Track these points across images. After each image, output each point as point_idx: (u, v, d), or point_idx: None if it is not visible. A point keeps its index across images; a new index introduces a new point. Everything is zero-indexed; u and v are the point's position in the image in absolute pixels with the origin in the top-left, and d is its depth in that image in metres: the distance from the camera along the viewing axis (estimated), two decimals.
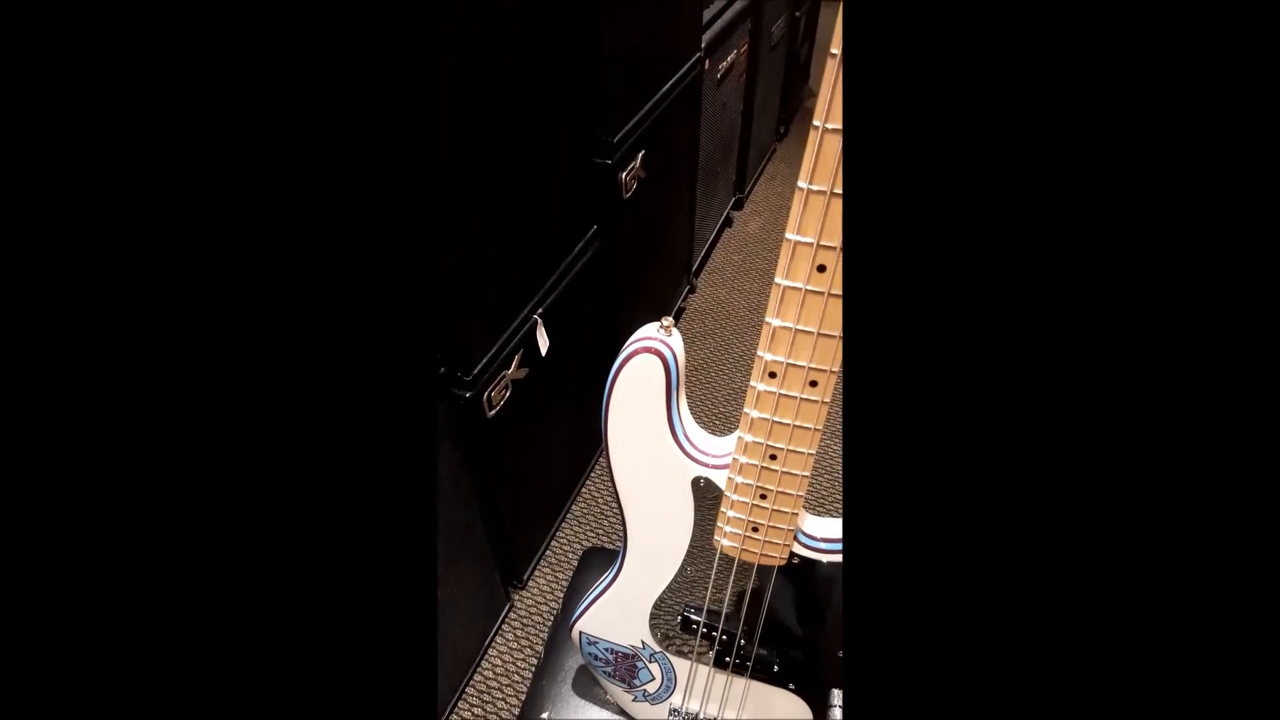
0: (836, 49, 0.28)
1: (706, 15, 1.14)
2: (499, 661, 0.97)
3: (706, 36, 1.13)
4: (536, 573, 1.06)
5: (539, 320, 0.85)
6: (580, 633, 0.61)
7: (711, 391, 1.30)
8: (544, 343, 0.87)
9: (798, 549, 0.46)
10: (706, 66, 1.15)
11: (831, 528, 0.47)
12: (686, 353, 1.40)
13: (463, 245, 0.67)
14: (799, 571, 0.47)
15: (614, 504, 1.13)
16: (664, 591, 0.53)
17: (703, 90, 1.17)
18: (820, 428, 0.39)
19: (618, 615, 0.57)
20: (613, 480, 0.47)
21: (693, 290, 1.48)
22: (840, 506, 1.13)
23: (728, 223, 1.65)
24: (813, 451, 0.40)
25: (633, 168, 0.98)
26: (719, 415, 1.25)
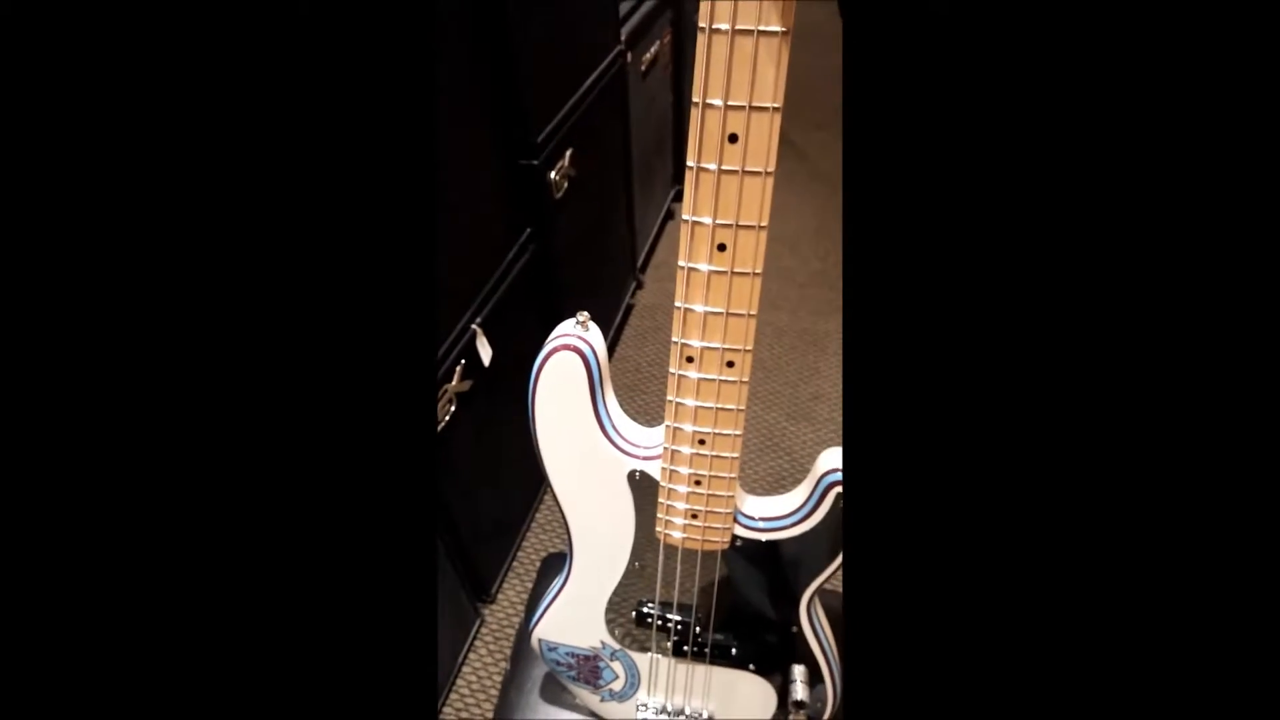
0: (704, 23, 0.28)
1: (623, 9, 1.13)
2: (474, 678, 0.95)
3: (625, 29, 1.13)
4: (505, 585, 1.04)
5: (478, 330, 0.83)
6: (539, 640, 0.60)
7: (664, 387, 1.30)
8: (486, 353, 0.85)
9: (740, 531, 0.46)
10: (629, 59, 1.15)
11: (769, 506, 0.47)
12: (638, 348, 1.40)
13: None
14: (744, 553, 0.48)
15: None
16: (616, 588, 0.53)
17: (629, 84, 1.17)
18: (743, 408, 0.39)
19: (573, 618, 0.57)
20: (549, 484, 0.47)
21: (640, 286, 1.48)
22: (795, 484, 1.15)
23: (670, 215, 1.65)
24: (739, 433, 0.40)
25: (561, 166, 0.97)
26: None
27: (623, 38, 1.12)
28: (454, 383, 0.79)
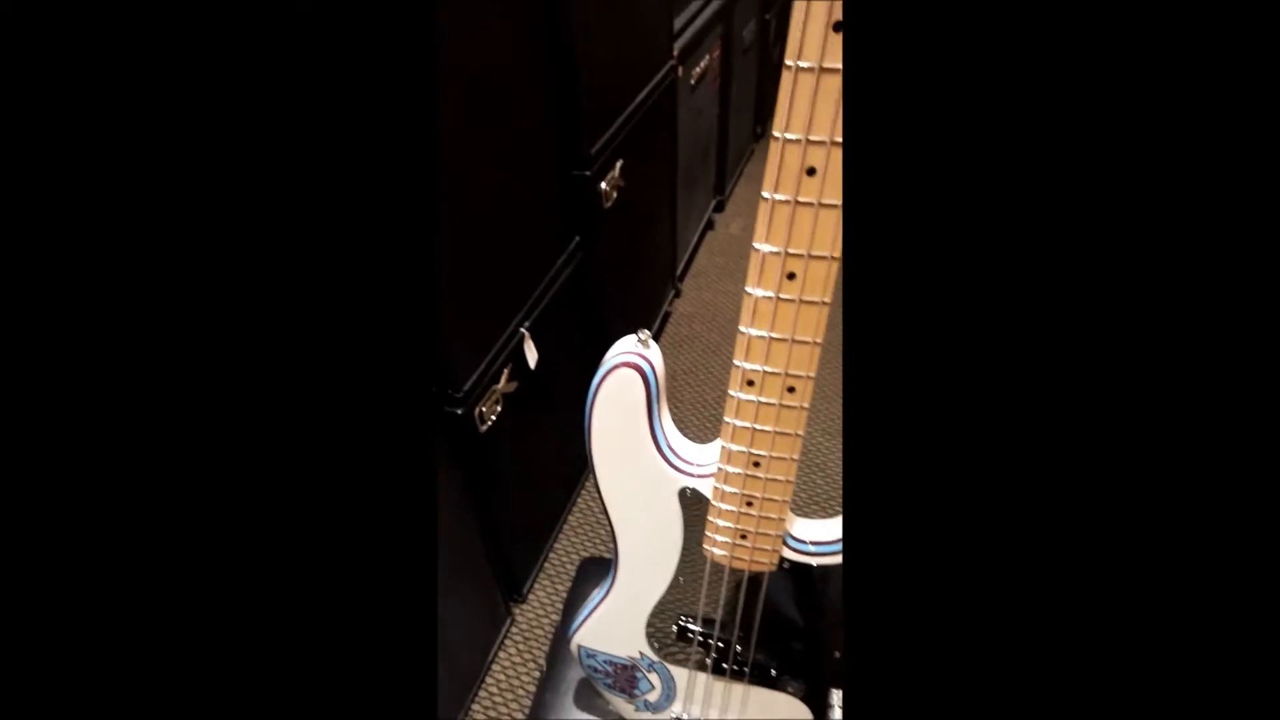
0: (791, 60, 0.28)
1: (678, 23, 1.15)
2: (503, 676, 0.96)
3: (679, 44, 1.14)
4: (536, 585, 1.06)
5: (526, 333, 0.85)
6: (579, 646, 0.61)
7: (700, 394, 1.30)
8: (532, 355, 0.87)
9: (787, 553, 0.47)
10: (680, 73, 1.16)
11: (820, 530, 0.47)
12: (674, 357, 1.41)
13: (447, 263, 0.67)
14: (791, 575, 0.48)
15: None
16: (658, 601, 0.53)
17: (678, 96, 1.18)
18: (801, 433, 0.39)
19: (614, 628, 0.57)
20: (600, 496, 0.48)
21: (678, 294, 1.48)
22: (837, 506, 1.13)
23: (709, 225, 1.66)
24: (795, 457, 0.40)
25: (612, 177, 0.98)
26: (709, 418, 1.25)
27: (675, 52, 1.13)
28: (501, 384, 0.81)
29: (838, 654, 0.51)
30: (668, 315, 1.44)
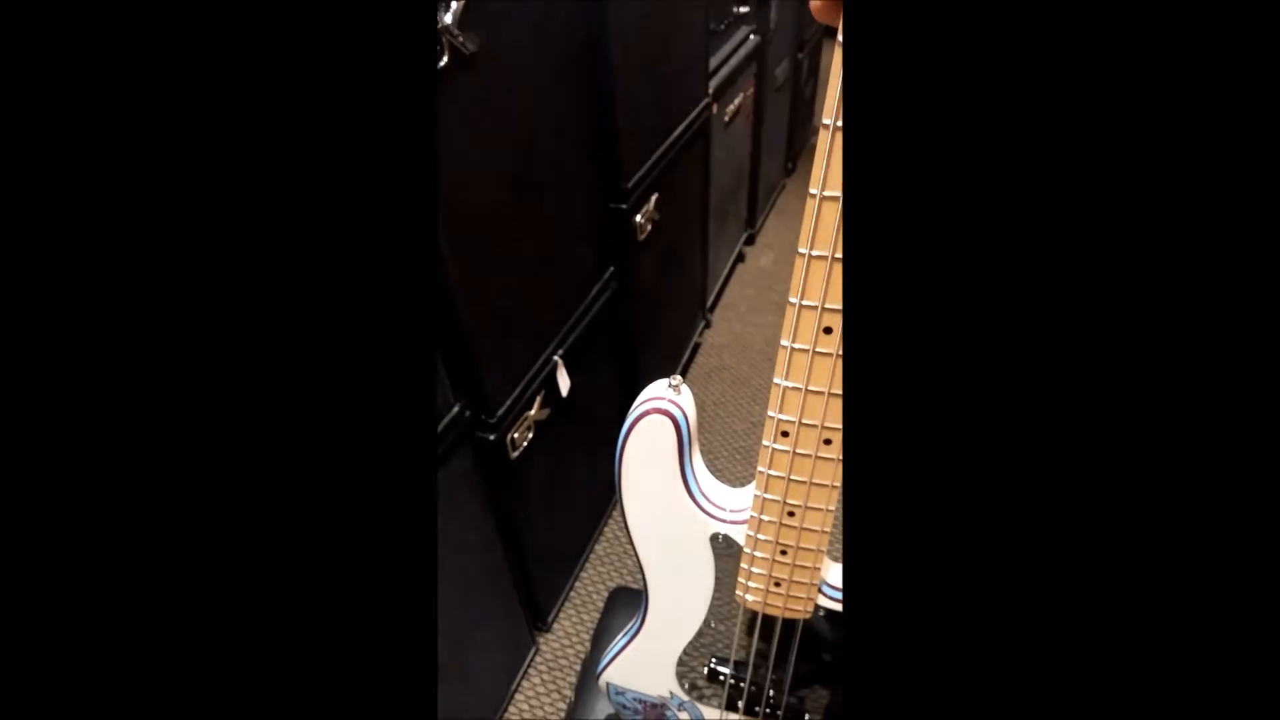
0: (828, 119, 0.29)
1: (713, 63, 1.17)
2: (525, 706, 0.96)
3: (714, 83, 1.16)
4: (561, 614, 1.05)
5: (559, 361, 0.86)
6: (607, 683, 0.60)
7: (730, 425, 1.29)
8: (565, 383, 0.88)
9: (823, 601, 0.46)
10: (715, 110, 1.18)
11: None
12: (704, 387, 1.40)
13: (486, 291, 0.69)
14: (826, 622, 0.47)
15: None
16: (689, 642, 0.53)
17: (712, 133, 1.20)
18: (838, 484, 0.39)
19: (643, 667, 0.57)
20: (630, 539, 0.48)
21: (708, 325, 1.49)
22: None
23: (740, 258, 1.67)
24: (832, 508, 0.40)
25: (646, 210, 1.00)
26: (739, 449, 1.24)
27: (710, 90, 1.15)
28: (534, 411, 0.82)
29: None
30: (698, 346, 1.44)
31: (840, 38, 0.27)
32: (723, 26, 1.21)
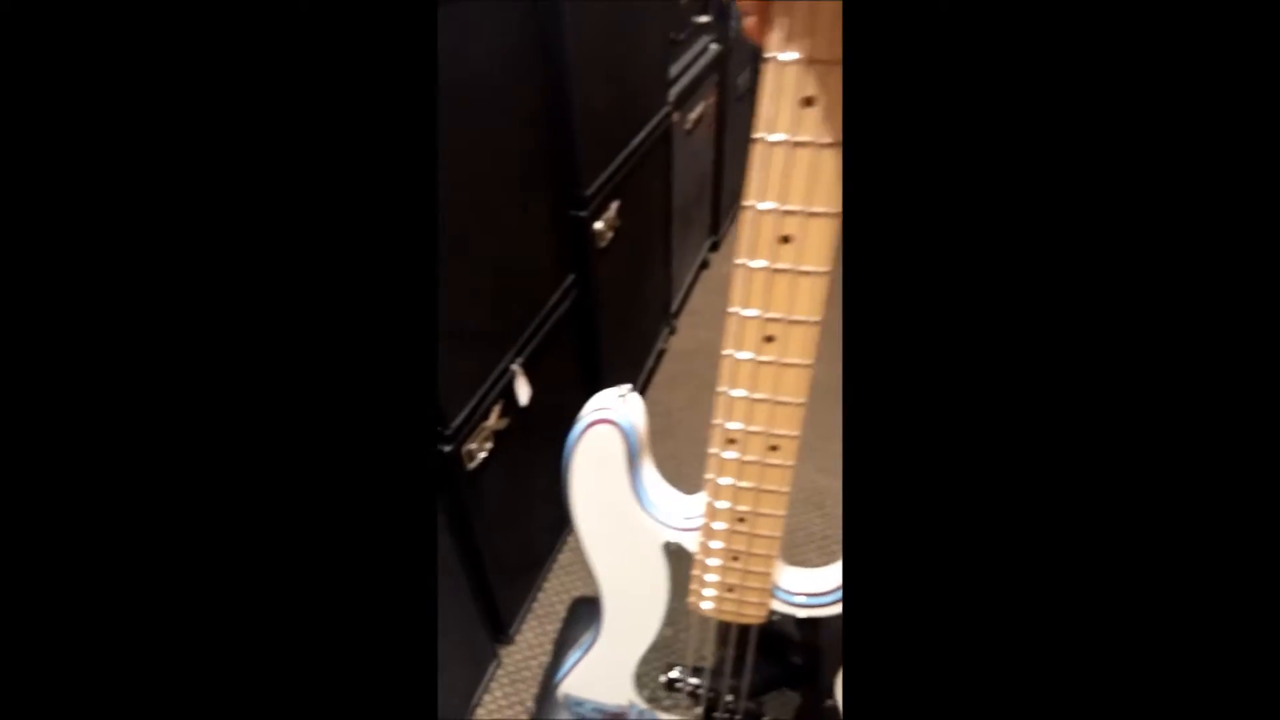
0: (762, 134, 0.30)
1: (674, 71, 1.18)
2: None
3: (674, 91, 1.17)
4: (524, 626, 1.04)
5: (518, 370, 0.85)
6: (565, 694, 0.60)
7: (695, 431, 1.30)
8: (524, 392, 0.87)
9: (776, 605, 0.46)
10: (676, 119, 1.19)
11: (810, 581, 0.47)
12: (669, 392, 1.40)
13: (442, 300, 0.68)
14: (780, 626, 0.47)
15: None
16: (646, 650, 0.52)
17: (674, 141, 1.21)
18: (787, 490, 0.39)
19: (601, 677, 0.56)
20: (584, 549, 0.47)
21: (673, 332, 1.49)
22: (834, 546, 1.12)
23: (704, 265, 1.68)
24: (782, 513, 0.41)
25: (607, 217, 1.00)
26: (704, 455, 1.25)
27: (671, 99, 1.16)
28: (492, 420, 0.81)
29: (829, 702, 0.51)
30: (663, 352, 1.44)
31: (766, 55, 0.28)
32: (683, 36, 1.22)
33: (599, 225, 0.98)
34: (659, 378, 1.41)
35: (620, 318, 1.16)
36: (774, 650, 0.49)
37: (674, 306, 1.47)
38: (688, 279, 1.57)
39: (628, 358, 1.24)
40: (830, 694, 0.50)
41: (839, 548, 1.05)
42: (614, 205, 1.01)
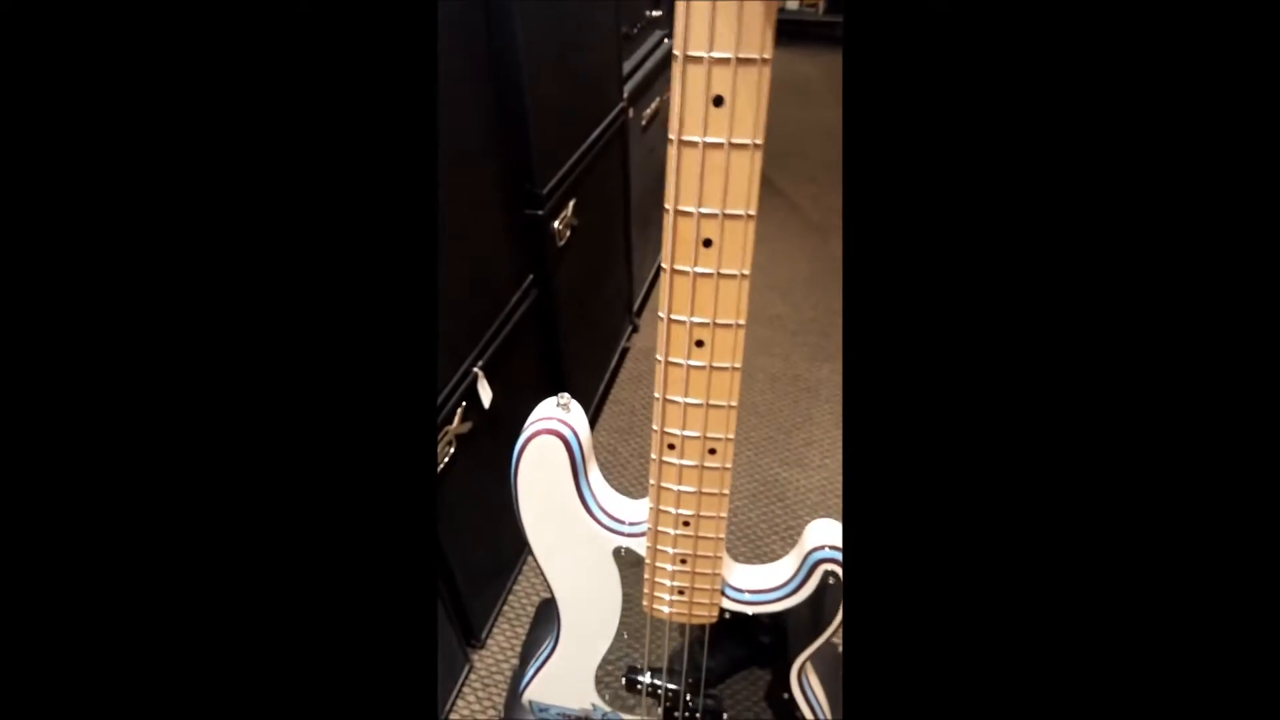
0: (675, 135, 0.29)
1: (627, 67, 1.17)
2: None
3: (628, 87, 1.16)
4: (495, 629, 1.03)
5: (480, 373, 0.84)
6: (530, 700, 0.60)
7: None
8: (486, 395, 0.86)
9: (727, 604, 0.47)
10: (631, 115, 1.19)
11: (757, 578, 0.47)
12: (633, 391, 1.41)
13: None
14: (733, 624, 0.48)
15: None
16: (605, 654, 0.52)
17: (630, 138, 1.20)
18: (726, 491, 0.40)
19: (563, 682, 0.56)
20: (535, 564, 0.47)
21: (636, 330, 1.49)
22: (796, 537, 1.14)
23: None
24: (723, 515, 0.41)
25: (565, 216, 0.99)
26: None
27: (625, 95, 1.15)
28: (455, 424, 0.80)
29: (786, 696, 0.51)
30: (626, 350, 1.44)
31: (675, 52, 0.27)
32: (635, 30, 1.22)
33: (557, 224, 0.97)
34: (623, 376, 1.41)
35: (582, 317, 1.16)
36: (732, 637, 0.49)
37: (636, 304, 1.47)
38: (649, 276, 1.57)
39: (591, 357, 1.24)
40: (787, 687, 0.51)
41: (797, 538, 1.08)
42: (571, 204, 1.01)
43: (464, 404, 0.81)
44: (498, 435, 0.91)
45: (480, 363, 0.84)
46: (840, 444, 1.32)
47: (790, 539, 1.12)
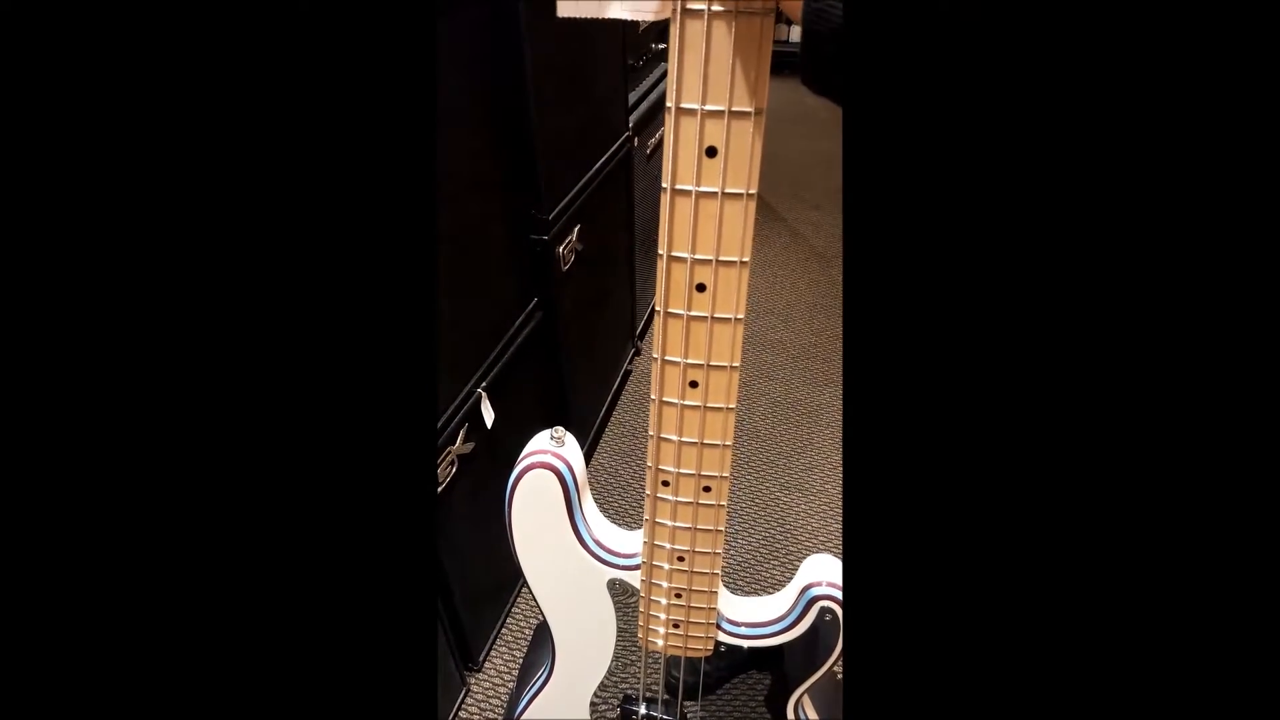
0: (668, 184, 0.30)
1: (633, 98, 1.20)
2: None
3: (634, 116, 1.19)
4: (493, 653, 1.03)
5: (483, 394, 0.85)
6: None
7: None
8: (489, 415, 0.87)
9: (722, 636, 0.47)
10: (636, 144, 1.21)
11: (753, 611, 0.47)
12: (635, 414, 1.41)
13: None
14: (729, 656, 0.48)
15: None
16: (600, 683, 0.52)
17: (635, 165, 1.22)
18: (722, 528, 0.40)
19: (557, 711, 0.56)
20: (530, 591, 0.47)
21: (638, 353, 1.50)
22: (795, 560, 1.13)
23: None
24: (718, 551, 0.41)
25: (569, 241, 1.01)
26: None
27: (631, 124, 1.18)
28: (457, 444, 0.81)
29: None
30: (628, 373, 1.45)
31: (668, 104, 0.28)
32: (640, 62, 1.24)
33: (561, 249, 0.99)
34: (624, 399, 1.41)
35: (585, 341, 1.17)
36: (724, 682, 0.49)
37: (639, 328, 1.48)
38: (651, 300, 1.58)
39: (593, 380, 1.25)
40: (784, 718, 0.50)
41: (800, 563, 1.07)
42: (576, 229, 1.02)
43: (466, 424, 0.82)
44: (499, 457, 0.92)
45: (484, 383, 0.85)
46: (841, 469, 1.31)
47: (789, 564, 1.11)
